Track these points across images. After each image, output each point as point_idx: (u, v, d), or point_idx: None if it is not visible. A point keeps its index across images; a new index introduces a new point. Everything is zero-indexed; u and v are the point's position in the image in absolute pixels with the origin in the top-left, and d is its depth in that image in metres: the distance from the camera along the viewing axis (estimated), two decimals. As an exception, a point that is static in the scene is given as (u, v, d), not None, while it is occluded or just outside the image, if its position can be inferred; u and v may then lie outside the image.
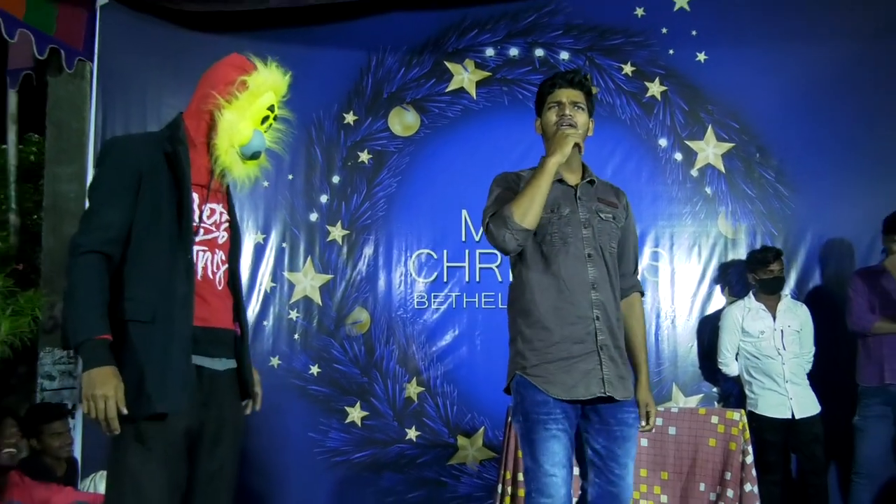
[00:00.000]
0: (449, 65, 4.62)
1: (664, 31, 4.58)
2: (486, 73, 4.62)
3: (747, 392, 4.12)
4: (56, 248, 4.58)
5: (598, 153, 2.50)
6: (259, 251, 4.51)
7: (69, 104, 4.73)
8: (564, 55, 4.60)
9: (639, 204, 4.02)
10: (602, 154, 4.31)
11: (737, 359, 4.16)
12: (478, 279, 4.50)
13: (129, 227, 2.11)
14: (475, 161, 4.50)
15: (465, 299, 4.48)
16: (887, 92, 4.48)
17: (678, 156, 4.50)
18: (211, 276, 2.22)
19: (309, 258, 4.52)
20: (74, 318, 2.02)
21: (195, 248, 2.17)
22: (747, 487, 3.51)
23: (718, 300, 4.47)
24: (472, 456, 4.38)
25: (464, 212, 4.53)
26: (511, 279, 2.59)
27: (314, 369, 4.43)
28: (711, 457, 3.61)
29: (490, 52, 4.63)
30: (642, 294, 2.69)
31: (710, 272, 4.49)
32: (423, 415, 4.41)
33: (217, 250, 2.25)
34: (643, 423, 2.49)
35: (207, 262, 2.22)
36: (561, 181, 2.52)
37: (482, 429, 4.40)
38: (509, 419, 3.62)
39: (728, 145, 4.54)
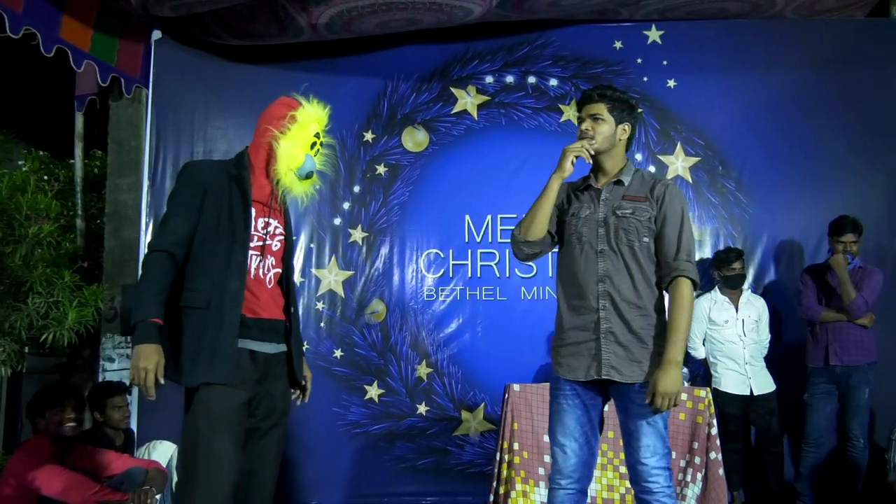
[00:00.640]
0: (454, 90, 4.61)
1: (639, 60, 4.57)
2: (486, 98, 4.61)
3: (712, 372, 4.11)
4: (116, 249, 4.58)
5: (582, 164, 2.47)
6: (291, 251, 4.51)
7: (128, 125, 4.73)
8: (553, 82, 4.59)
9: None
10: (586, 165, 4.29)
11: (704, 344, 4.16)
12: (479, 275, 4.48)
13: (192, 231, 2.21)
14: (476, 173, 4.51)
15: (467, 292, 4.46)
16: (833, 115, 4.48)
17: (651, 168, 4.49)
18: (262, 276, 2.30)
19: (333, 257, 4.51)
20: (136, 302, 2.12)
21: (249, 252, 2.26)
22: (712, 455, 3.49)
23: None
24: (474, 428, 4.37)
25: (467, 217, 4.51)
26: None
27: (338, 353, 4.42)
28: (682, 429, 3.58)
29: (489, 79, 4.62)
30: (690, 279, 2.31)
31: (680, 269, 4.47)
32: (432, 392, 4.40)
33: (269, 255, 2.33)
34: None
35: (259, 264, 2.30)
36: (589, 186, 2.47)
37: (483, 404, 4.39)
38: (506, 396, 3.62)
39: (695, 159, 4.53)
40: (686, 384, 4.26)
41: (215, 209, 2.24)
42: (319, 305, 4.47)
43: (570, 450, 2.33)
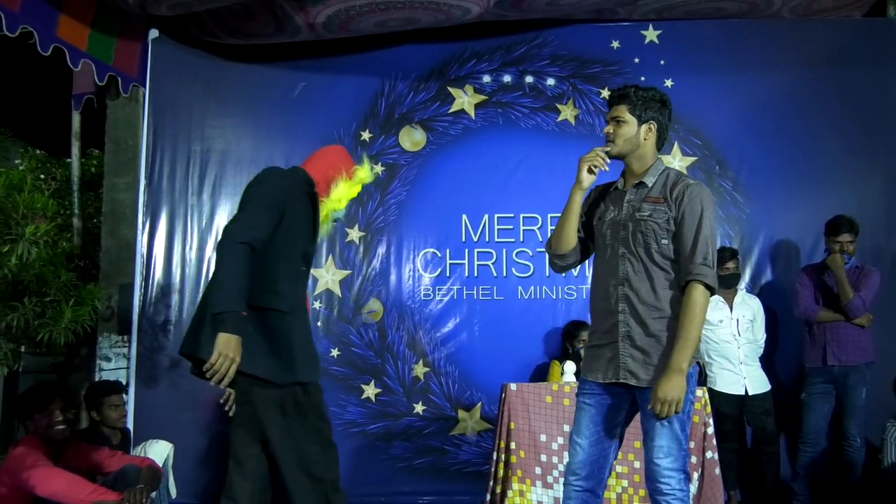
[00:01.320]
0: (451, 90, 4.61)
1: (636, 60, 4.57)
2: (484, 97, 4.61)
3: (707, 372, 4.10)
4: (113, 248, 4.58)
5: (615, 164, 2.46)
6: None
7: (125, 124, 4.72)
8: (551, 81, 4.59)
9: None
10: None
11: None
12: (476, 275, 4.48)
13: (271, 231, 2.34)
14: (474, 172, 4.51)
15: (464, 292, 4.46)
16: (830, 114, 4.49)
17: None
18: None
19: (330, 256, 4.50)
20: (224, 290, 2.22)
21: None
22: (709, 454, 3.49)
23: (683, 293, 4.45)
24: (471, 427, 4.36)
25: (464, 216, 4.51)
26: None
27: (335, 352, 4.42)
28: (678, 428, 3.58)
29: (487, 78, 4.62)
30: (704, 284, 2.20)
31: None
32: (429, 391, 4.40)
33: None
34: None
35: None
36: (615, 188, 2.45)
37: (479, 404, 4.39)
38: (503, 395, 3.61)
39: (692, 159, 4.53)
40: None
41: (293, 218, 2.39)
42: (316, 305, 4.46)
43: (580, 447, 2.35)
